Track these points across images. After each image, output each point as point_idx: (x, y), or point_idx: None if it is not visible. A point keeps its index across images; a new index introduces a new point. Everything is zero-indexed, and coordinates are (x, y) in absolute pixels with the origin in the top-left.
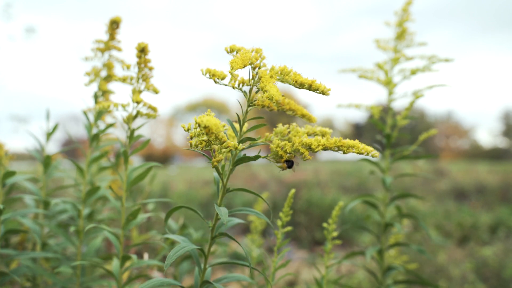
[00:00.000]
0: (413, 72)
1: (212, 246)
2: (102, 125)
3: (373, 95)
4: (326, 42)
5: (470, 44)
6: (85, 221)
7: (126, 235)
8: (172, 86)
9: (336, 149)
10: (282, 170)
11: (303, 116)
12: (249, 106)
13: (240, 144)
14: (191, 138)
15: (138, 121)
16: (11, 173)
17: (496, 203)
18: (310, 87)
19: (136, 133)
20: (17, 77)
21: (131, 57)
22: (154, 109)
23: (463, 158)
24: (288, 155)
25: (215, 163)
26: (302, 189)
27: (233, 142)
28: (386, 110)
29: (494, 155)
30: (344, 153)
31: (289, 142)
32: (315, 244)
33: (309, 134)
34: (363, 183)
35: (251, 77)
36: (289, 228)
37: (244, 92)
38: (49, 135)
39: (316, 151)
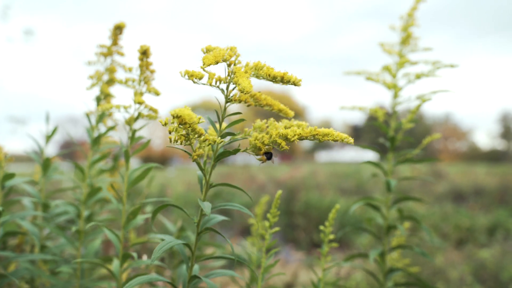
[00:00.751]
0: (418, 76)
1: (210, 248)
2: (102, 128)
3: (369, 98)
4: (325, 45)
5: (468, 47)
6: (85, 223)
7: (124, 237)
8: (170, 88)
9: (312, 138)
10: (262, 163)
11: (279, 110)
12: (227, 102)
13: (219, 138)
14: (170, 133)
15: (139, 123)
16: (10, 175)
17: (494, 205)
18: (283, 79)
19: (137, 134)
20: (15, 78)
21: (131, 59)
22: (154, 110)
23: (461, 160)
24: (266, 147)
25: (195, 157)
26: (300, 191)
27: (212, 136)
28: (389, 113)
29: (492, 157)
30: (320, 141)
31: (267, 134)
32: (313, 246)
33: (286, 128)
34: (361, 185)
35: (227, 74)
36: (277, 228)
37: (222, 90)
38: (48, 137)
39: (292, 141)
